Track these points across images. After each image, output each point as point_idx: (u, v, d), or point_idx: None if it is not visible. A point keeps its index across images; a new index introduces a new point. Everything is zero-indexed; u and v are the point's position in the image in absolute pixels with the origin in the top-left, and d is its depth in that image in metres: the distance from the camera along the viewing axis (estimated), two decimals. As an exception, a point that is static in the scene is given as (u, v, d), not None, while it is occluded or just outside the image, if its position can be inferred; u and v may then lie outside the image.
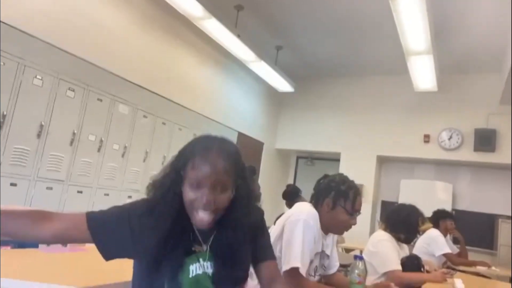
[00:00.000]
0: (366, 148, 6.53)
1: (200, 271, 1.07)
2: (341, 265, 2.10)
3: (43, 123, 3.31)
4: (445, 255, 3.55)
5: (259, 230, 1.22)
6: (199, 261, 1.07)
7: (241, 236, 1.10)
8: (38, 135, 3.29)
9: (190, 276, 1.05)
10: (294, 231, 1.54)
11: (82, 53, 3.63)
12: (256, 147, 6.77)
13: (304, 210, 1.62)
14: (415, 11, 3.50)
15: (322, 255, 1.71)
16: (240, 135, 6.21)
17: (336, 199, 1.65)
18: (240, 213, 1.10)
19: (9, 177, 3.10)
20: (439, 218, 3.84)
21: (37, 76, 3.26)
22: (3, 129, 3.02)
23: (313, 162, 7.63)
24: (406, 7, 3.45)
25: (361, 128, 6.63)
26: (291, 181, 7.55)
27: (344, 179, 1.72)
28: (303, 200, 3.71)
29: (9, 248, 1.77)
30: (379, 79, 6.60)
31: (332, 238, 1.78)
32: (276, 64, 5.68)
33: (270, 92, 6.75)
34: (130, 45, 4.19)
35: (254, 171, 3.41)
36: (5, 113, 3.03)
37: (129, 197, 4.18)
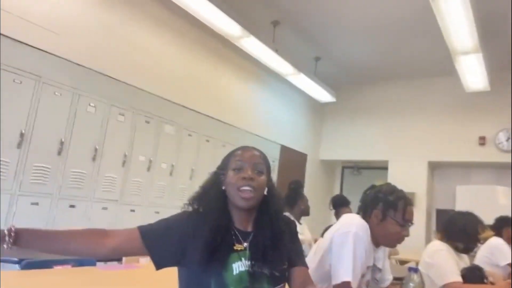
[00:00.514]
0: (416, 154, 6.25)
1: (243, 269, 1.15)
2: (395, 278, 2.00)
3: (97, 147, 3.53)
4: (510, 265, 3.27)
5: (293, 236, 1.30)
6: (241, 259, 1.16)
7: (276, 236, 1.21)
8: (93, 159, 3.51)
9: (234, 273, 1.13)
10: (344, 244, 1.50)
11: (129, 79, 3.85)
12: (299, 159, 6.73)
13: (354, 222, 1.57)
14: (458, 9, 3.34)
15: (374, 268, 1.64)
16: (283, 148, 6.21)
17: (385, 210, 1.59)
18: (273, 210, 1.24)
19: (68, 199, 3.31)
20: (502, 226, 3.55)
21: (91, 104, 3.50)
22: (63, 153, 3.26)
23: (360, 172, 7.42)
24: (449, 6, 3.31)
25: (409, 133, 6.37)
26: (337, 192, 7.39)
27: (392, 189, 1.65)
28: (350, 211, 3.60)
29: (69, 266, 1.88)
30: (425, 81, 6.33)
31: (383, 250, 1.71)
32: (315, 75, 5.66)
33: (311, 103, 6.71)
34: (173, 68, 4.38)
35: (301, 185, 3.37)
36: (63, 140, 3.27)
37: (188, 200, 4.28)
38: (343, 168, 7.64)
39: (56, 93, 3.24)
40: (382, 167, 6.60)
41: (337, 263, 1.49)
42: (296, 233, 1.34)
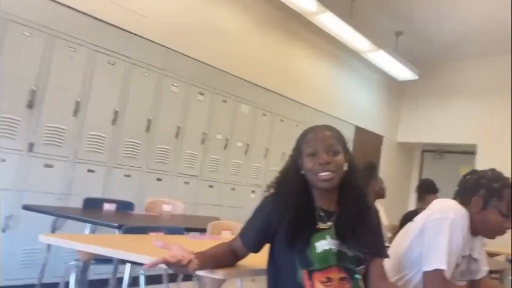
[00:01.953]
0: (508, 136, 5.62)
1: (327, 247, 1.16)
2: (490, 271, 1.85)
3: (179, 125, 3.74)
4: None
5: (375, 222, 1.29)
6: (325, 238, 1.17)
7: (362, 213, 1.21)
8: (176, 136, 3.72)
9: (318, 251, 1.15)
10: (439, 230, 1.41)
11: (208, 60, 3.97)
12: (375, 141, 6.45)
13: (451, 208, 1.46)
14: None
15: (469, 259, 1.53)
16: (358, 129, 6.00)
17: (487, 198, 1.46)
18: (356, 185, 1.23)
19: (155, 173, 3.58)
20: None
21: (174, 84, 3.69)
22: (151, 131, 3.51)
23: (442, 156, 6.91)
24: None
25: (502, 114, 5.73)
26: (415, 178, 6.98)
27: (498, 176, 1.50)
28: (436, 198, 3.38)
29: (162, 233, 2.05)
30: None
31: (480, 240, 1.58)
32: (396, 51, 5.31)
33: (390, 82, 6.34)
34: (249, 47, 4.42)
35: (374, 166, 3.25)
36: (150, 118, 3.51)
37: (253, 191, 4.42)
38: (423, 151, 7.17)
39: (145, 74, 3.47)
40: (468, 152, 6.07)
41: (430, 250, 1.41)
42: (379, 218, 1.31)
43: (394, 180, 6.45)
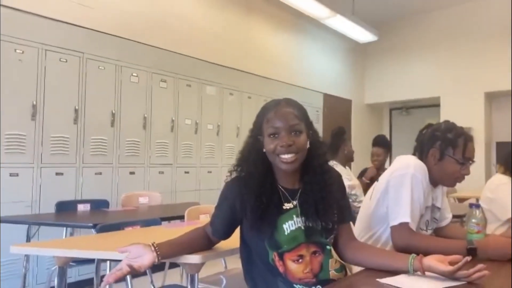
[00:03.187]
0: (470, 86, 5.83)
1: (293, 227, 1.16)
2: (455, 216, 1.96)
3: (145, 115, 3.66)
4: None
5: (341, 188, 1.30)
6: (292, 218, 1.17)
7: (325, 189, 1.19)
8: (144, 127, 3.65)
9: (286, 233, 1.15)
10: (401, 186, 1.46)
11: (166, 45, 3.87)
12: (344, 105, 6.55)
13: (410, 163, 1.51)
14: None
15: (433, 208, 1.61)
16: (326, 96, 6.06)
17: (443, 149, 1.52)
18: (318, 163, 1.21)
19: (127, 167, 3.52)
20: None
21: (133, 74, 3.59)
22: (115, 124, 3.43)
23: (409, 112, 7.11)
24: None
25: (461, 65, 5.91)
26: (387, 135, 7.17)
27: (450, 126, 1.56)
28: (383, 152, 3.56)
29: (138, 227, 2.04)
30: (476, 3, 5.73)
31: (441, 189, 1.66)
32: (353, 14, 5.32)
33: (352, 46, 6.39)
34: (207, 27, 4.32)
35: (344, 131, 3.32)
36: (113, 111, 3.42)
37: (228, 171, 4.43)
38: (391, 110, 7.36)
39: (101, 67, 3.36)
40: (433, 105, 6.27)
41: (395, 205, 1.47)
42: (343, 186, 1.33)
43: (366, 140, 6.61)
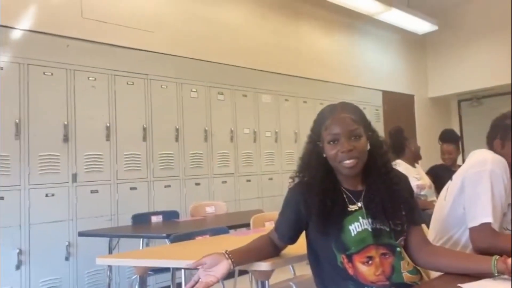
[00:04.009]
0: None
1: (360, 229, 1.15)
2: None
3: (206, 127, 3.82)
4: None
5: (407, 190, 1.26)
6: (358, 220, 1.16)
7: (390, 189, 1.18)
8: (205, 139, 3.81)
9: (353, 235, 1.15)
10: (479, 184, 1.36)
11: (220, 59, 4.00)
12: (406, 101, 6.24)
13: (488, 159, 1.41)
14: None
15: (516, 206, 1.47)
16: (386, 94, 5.83)
17: (503, 136, 1.41)
18: (381, 163, 1.20)
19: (192, 178, 3.69)
20: None
21: (192, 90, 3.77)
22: (179, 139, 3.61)
23: (481, 102, 6.57)
24: None
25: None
26: (457, 130, 6.69)
27: (509, 114, 1.44)
28: (454, 148, 3.28)
29: (208, 236, 2.12)
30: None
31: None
32: (408, 5, 5.09)
33: (410, 38, 6.09)
34: (257, 37, 4.40)
35: (402, 130, 3.16)
36: (177, 126, 3.61)
37: (290, 177, 4.43)
38: (459, 101, 6.85)
39: (163, 86, 3.57)
40: (507, 92, 5.72)
41: (473, 204, 1.37)
42: (410, 186, 1.29)
43: (433, 136, 6.23)
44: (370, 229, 1.15)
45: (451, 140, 3.40)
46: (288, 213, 1.25)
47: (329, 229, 1.15)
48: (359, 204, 1.19)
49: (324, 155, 1.19)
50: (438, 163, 3.55)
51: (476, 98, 6.59)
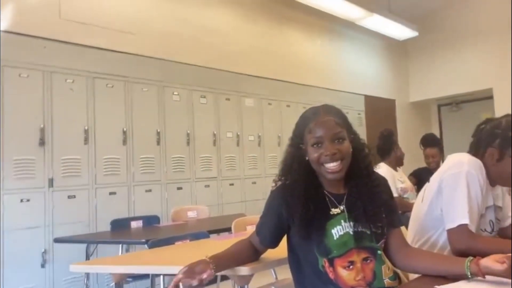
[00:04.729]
0: (526, 74, 5.40)
1: (342, 232, 1.15)
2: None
3: (188, 131, 3.77)
4: None
5: (387, 192, 1.26)
6: (340, 223, 1.16)
7: (371, 192, 1.19)
8: (188, 143, 3.76)
9: (335, 238, 1.14)
10: (456, 185, 1.37)
11: (204, 62, 3.98)
12: (387, 106, 6.34)
13: (464, 161, 1.41)
14: None
15: (495, 208, 1.49)
16: (367, 98, 5.90)
17: (503, 148, 1.40)
18: (363, 166, 1.20)
19: (174, 183, 3.63)
20: None
21: (174, 93, 3.72)
22: (161, 143, 3.56)
23: (460, 107, 6.72)
24: None
25: (514, 52, 5.50)
26: (437, 134, 6.83)
27: None
28: (438, 151, 3.35)
29: (188, 241, 2.09)
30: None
31: (501, 187, 1.54)
32: (390, 11, 5.18)
33: (391, 44, 6.20)
34: (241, 41, 4.39)
35: (392, 133, 3.19)
36: (158, 130, 3.56)
37: (273, 181, 4.42)
38: (439, 106, 6.99)
39: (144, 89, 3.52)
40: (485, 97, 5.88)
41: (450, 206, 1.38)
42: (389, 189, 1.30)
43: (414, 140, 6.33)
44: (351, 232, 1.15)
45: (434, 144, 3.46)
46: (269, 216, 1.23)
47: (312, 233, 1.14)
48: (341, 208, 1.18)
49: (307, 158, 1.19)
50: (420, 166, 3.60)
51: (455, 103, 6.74)
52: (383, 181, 1.28)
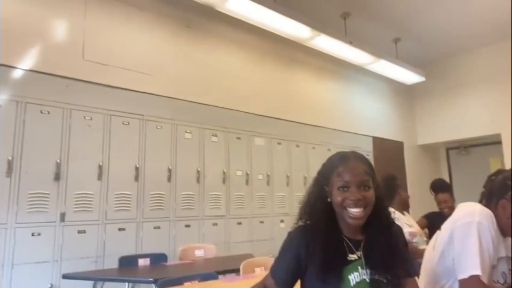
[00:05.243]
0: (534, 120, 5.45)
1: (359, 279, 1.15)
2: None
3: (199, 168, 3.83)
4: None
5: (402, 244, 1.27)
6: (358, 270, 1.16)
7: (390, 241, 1.20)
8: (197, 180, 3.81)
9: (352, 285, 1.14)
10: (467, 235, 1.39)
11: (215, 102, 4.11)
12: (395, 148, 6.37)
13: (475, 211, 1.44)
14: None
15: (507, 259, 1.49)
16: (376, 140, 5.96)
17: None
18: (384, 215, 1.23)
19: (183, 220, 3.64)
20: None
21: (187, 131, 3.82)
22: (172, 180, 3.61)
23: (468, 151, 6.73)
24: None
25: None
26: (446, 177, 6.79)
27: None
28: (448, 196, 3.32)
29: (196, 281, 2.08)
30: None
31: (512, 237, 1.54)
32: (397, 57, 5.35)
33: (399, 87, 6.33)
34: (253, 82, 4.55)
35: (395, 177, 3.21)
36: (170, 167, 3.63)
37: (281, 221, 4.41)
38: (447, 149, 7.01)
39: (158, 127, 3.62)
40: (494, 142, 5.89)
41: (462, 256, 1.38)
42: (404, 238, 1.31)
43: (423, 183, 6.30)
44: (368, 280, 1.16)
45: (445, 189, 3.43)
46: (287, 257, 1.22)
47: (330, 277, 1.14)
48: (359, 254, 1.19)
49: (329, 200, 1.21)
50: (428, 208, 3.57)
51: (463, 146, 6.76)
52: (400, 230, 1.29)
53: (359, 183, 1.18)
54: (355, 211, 1.16)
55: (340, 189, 1.18)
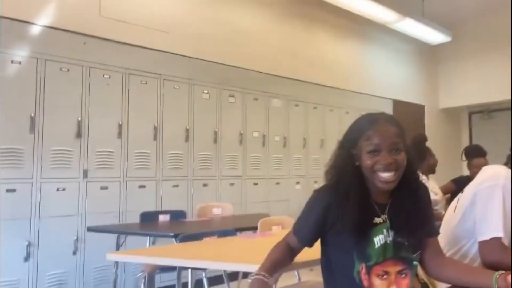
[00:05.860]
0: None
1: (383, 241, 1.16)
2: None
3: (216, 129, 3.84)
4: None
5: (429, 203, 1.27)
6: (382, 232, 1.16)
7: (415, 205, 1.19)
8: (215, 141, 3.83)
9: (376, 247, 1.15)
10: (491, 198, 1.36)
11: (233, 62, 4.04)
12: (416, 111, 6.23)
13: (501, 174, 1.40)
14: None
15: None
16: (396, 103, 5.81)
17: None
18: (413, 179, 1.20)
19: (200, 179, 3.71)
20: None
21: (204, 91, 3.80)
22: (189, 140, 3.64)
23: (491, 116, 6.52)
24: None
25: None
26: (466, 142, 6.65)
27: None
28: (486, 162, 3.20)
29: (215, 237, 2.14)
30: None
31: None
32: (423, 16, 5.09)
33: (422, 49, 6.08)
34: (271, 42, 4.43)
35: (426, 139, 3.09)
36: (187, 127, 3.65)
37: (297, 183, 4.45)
38: (470, 114, 6.81)
39: (176, 87, 3.61)
40: (520, 107, 5.67)
41: (484, 218, 1.37)
42: (430, 198, 1.29)
43: (444, 148, 6.19)
44: (391, 242, 1.16)
45: (480, 154, 3.32)
46: (313, 215, 1.20)
47: (357, 239, 1.14)
48: (384, 217, 1.19)
49: (357, 164, 1.17)
50: (450, 174, 3.50)
51: (487, 111, 6.55)
52: (426, 192, 1.27)
53: (390, 146, 1.13)
54: (386, 175, 1.12)
55: (370, 153, 1.13)
